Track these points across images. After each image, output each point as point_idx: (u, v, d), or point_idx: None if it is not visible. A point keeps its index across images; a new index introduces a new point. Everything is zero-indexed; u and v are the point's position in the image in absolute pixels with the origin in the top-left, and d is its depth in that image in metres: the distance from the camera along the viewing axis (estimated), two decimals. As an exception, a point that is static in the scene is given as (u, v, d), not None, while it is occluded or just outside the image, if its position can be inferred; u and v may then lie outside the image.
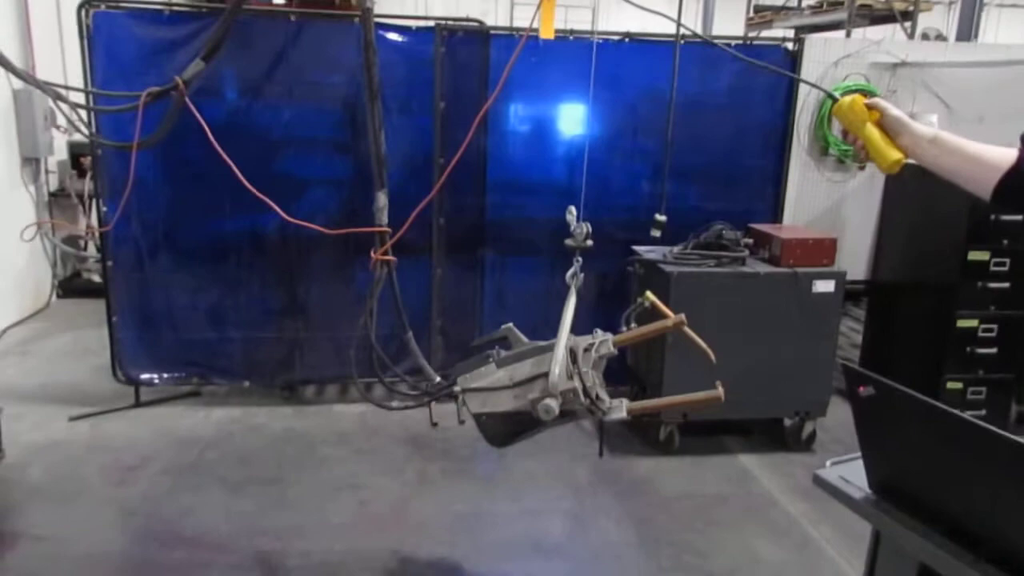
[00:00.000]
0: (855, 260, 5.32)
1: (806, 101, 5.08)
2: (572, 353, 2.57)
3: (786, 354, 4.36)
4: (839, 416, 4.51)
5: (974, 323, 4.64)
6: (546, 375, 2.47)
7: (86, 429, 4.60)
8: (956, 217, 4.57)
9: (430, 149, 4.78)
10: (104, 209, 4.62)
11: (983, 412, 4.69)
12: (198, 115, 3.32)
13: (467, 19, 4.98)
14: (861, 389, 1.60)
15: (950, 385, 4.71)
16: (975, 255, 4.55)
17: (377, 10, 4.02)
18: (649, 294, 2.63)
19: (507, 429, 2.67)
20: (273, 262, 4.86)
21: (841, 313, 4.61)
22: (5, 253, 5.53)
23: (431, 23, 4.71)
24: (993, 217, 4.50)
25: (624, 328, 2.69)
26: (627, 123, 4.99)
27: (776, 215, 5.21)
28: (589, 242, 2.79)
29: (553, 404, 2.47)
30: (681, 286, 4.26)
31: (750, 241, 4.65)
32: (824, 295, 4.34)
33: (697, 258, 4.44)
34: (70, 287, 6.58)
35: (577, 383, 2.48)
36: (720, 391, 2.37)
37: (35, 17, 5.69)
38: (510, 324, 2.77)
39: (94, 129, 4.17)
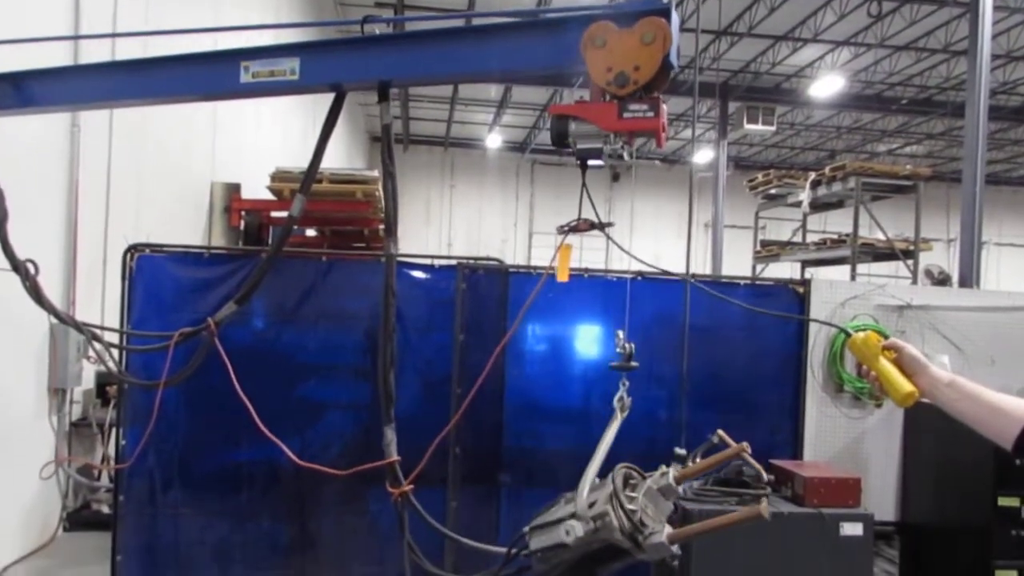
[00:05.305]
0: (881, 499, 5.13)
1: (817, 338, 5.17)
2: (625, 479, 2.41)
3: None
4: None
5: (1013, 574, 4.39)
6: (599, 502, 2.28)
7: None
8: (982, 459, 4.46)
9: (448, 373, 4.83)
10: (123, 442, 4.64)
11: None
12: (224, 355, 3.44)
13: (488, 258, 5.27)
14: None
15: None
16: (1005, 501, 4.40)
17: (404, 248, 4.26)
18: (720, 432, 2.53)
19: (563, 570, 2.43)
20: (285, 493, 4.77)
21: (873, 554, 4.39)
22: (19, 487, 5.48)
23: (454, 262, 4.97)
24: (1020, 462, 4.37)
25: (691, 462, 2.54)
26: (642, 349, 5.02)
27: (796, 450, 5.12)
28: (634, 363, 2.75)
29: (577, 525, 2.26)
30: (703, 526, 4.10)
31: (771, 477, 4.54)
32: (853, 539, 4.17)
33: (718, 495, 4.33)
34: (78, 519, 6.44)
35: (609, 504, 2.26)
36: (764, 506, 2.16)
37: (82, 252, 6.07)
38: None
39: (124, 365, 4.29)
